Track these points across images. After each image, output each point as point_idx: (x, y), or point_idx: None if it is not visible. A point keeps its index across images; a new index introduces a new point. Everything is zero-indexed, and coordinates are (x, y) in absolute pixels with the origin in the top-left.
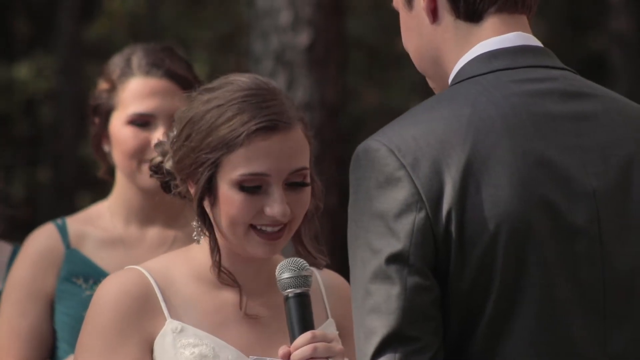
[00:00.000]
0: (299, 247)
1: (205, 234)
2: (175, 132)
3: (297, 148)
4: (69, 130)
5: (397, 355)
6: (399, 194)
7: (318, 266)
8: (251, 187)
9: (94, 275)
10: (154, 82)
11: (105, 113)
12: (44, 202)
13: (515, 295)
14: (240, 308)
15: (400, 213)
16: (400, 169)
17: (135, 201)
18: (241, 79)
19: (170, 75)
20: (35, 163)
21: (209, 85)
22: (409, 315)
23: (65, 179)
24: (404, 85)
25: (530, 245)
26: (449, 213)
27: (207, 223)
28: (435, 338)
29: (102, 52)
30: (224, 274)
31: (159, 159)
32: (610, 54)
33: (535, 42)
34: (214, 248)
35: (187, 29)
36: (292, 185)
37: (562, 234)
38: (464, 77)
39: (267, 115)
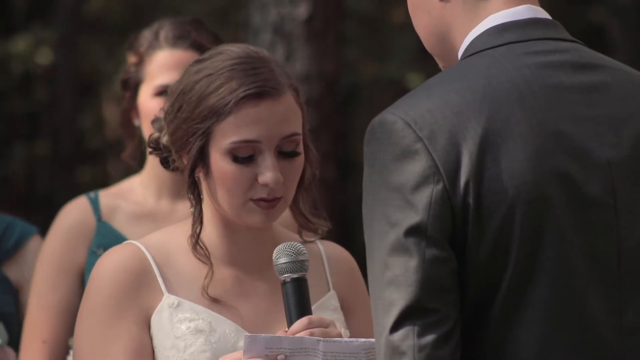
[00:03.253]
0: (298, 217)
1: (192, 203)
2: (168, 106)
3: (287, 114)
4: (67, 104)
5: (416, 328)
6: (416, 167)
7: (319, 232)
8: (243, 157)
9: None
10: (180, 54)
11: (134, 86)
12: (42, 175)
13: (531, 266)
14: (205, 287)
15: (418, 185)
16: (418, 141)
17: (166, 175)
18: (231, 49)
19: (197, 46)
20: (34, 137)
21: (201, 57)
22: (428, 288)
23: (64, 152)
24: (401, 56)
25: (547, 216)
26: (466, 185)
27: (196, 194)
28: (453, 310)
29: (101, 26)
30: (200, 248)
31: (156, 134)
32: (610, 27)
33: (545, 14)
34: (197, 220)
35: (185, 2)
36: (284, 154)
37: (577, 204)
38: (474, 50)
39: (255, 82)
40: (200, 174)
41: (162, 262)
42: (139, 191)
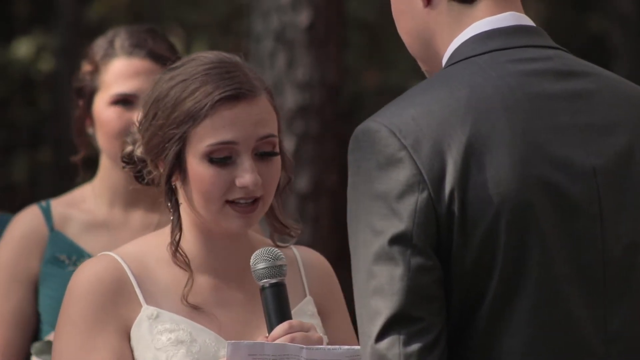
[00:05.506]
0: (272, 221)
1: (170, 211)
2: (141, 115)
3: (263, 115)
4: (68, 111)
5: (402, 337)
6: (401, 175)
7: (292, 236)
8: (220, 158)
9: (78, 256)
10: (136, 63)
11: (89, 95)
12: (45, 183)
13: (517, 274)
14: (185, 295)
15: (403, 194)
16: (402, 149)
17: (119, 184)
18: (204, 55)
19: (153, 55)
20: (36, 144)
21: (173, 65)
22: (413, 296)
23: (66, 160)
24: (403, 65)
25: (532, 224)
26: (451, 193)
27: (173, 201)
28: (438, 318)
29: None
30: (179, 255)
31: (129, 148)
32: (611, 35)
33: (529, 21)
34: (176, 226)
35: (187, 11)
36: (262, 155)
37: (562, 213)
38: (459, 58)
39: (230, 84)
40: (177, 181)
41: (139, 272)
42: (91, 200)
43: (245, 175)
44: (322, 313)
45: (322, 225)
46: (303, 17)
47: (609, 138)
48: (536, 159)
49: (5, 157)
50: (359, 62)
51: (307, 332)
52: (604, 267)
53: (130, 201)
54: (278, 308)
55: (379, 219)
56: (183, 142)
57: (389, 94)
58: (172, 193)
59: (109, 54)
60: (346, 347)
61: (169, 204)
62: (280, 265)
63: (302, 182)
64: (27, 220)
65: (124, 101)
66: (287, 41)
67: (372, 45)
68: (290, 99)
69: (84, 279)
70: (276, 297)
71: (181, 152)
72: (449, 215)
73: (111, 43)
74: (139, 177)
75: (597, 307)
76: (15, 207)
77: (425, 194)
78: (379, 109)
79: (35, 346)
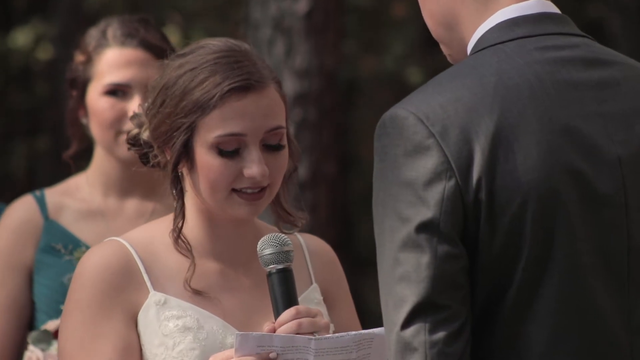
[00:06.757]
0: (277, 210)
1: (175, 198)
2: (149, 101)
3: (272, 107)
4: (66, 99)
5: (427, 324)
6: (429, 163)
7: (298, 225)
8: (229, 151)
9: (74, 245)
10: (129, 52)
11: (82, 85)
12: (43, 171)
13: (543, 262)
14: (187, 280)
15: (430, 181)
16: (430, 137)
17: (113, 173)
18: (213, 42)
19: (146, 45)
20: (34, 132)
21: (181, 51)
22: (439, 284)
23: (65, 148)
24: (400, 51)
25: (558, 213)
26: (478, 181)
27: (178, 189)
28: (464, 307)
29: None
30: (181, 242)
31: (135, 130)
32: (610, 22)
33: (554, 9)
34: (179, 214)
35: None
36: (269, 147)
37: (588, 202)
38: (485, 45)
39: (240, 75)
40: (183, 169)
41: (147, 258)
42: (85, 188)
43: (253, 167)
44: (328, 300)
45: (320, 214)
46: (301, 4)
47: (635, 127)
48: (563, 147)
49: (3, 145)
50: (356, 47)
51: (313, 317)
52: (628, 257)
53: (125, 190)
54: (285, 294)
55: (406, 207)
56: (191, 132)
57: (385, 80)
58: (177, 181)
59: (101, 44)
60: (353, 333)
61: (174, 191)
62: (287, 251)
63: (300, 171)
64: (22, 210)
65: (117, 91)
66: (285, 28)
67: (369, 30)
68: (289, 86)
69: (91, 264)
70: (283, 283)
71: (189, 141)
72: (476, 204)
73: (103, 33)
74: (143, 159)
75: (622, 296)
76: (14, 195)
77: (452, 182)
78: (375, 95)
79: (32, 335)
